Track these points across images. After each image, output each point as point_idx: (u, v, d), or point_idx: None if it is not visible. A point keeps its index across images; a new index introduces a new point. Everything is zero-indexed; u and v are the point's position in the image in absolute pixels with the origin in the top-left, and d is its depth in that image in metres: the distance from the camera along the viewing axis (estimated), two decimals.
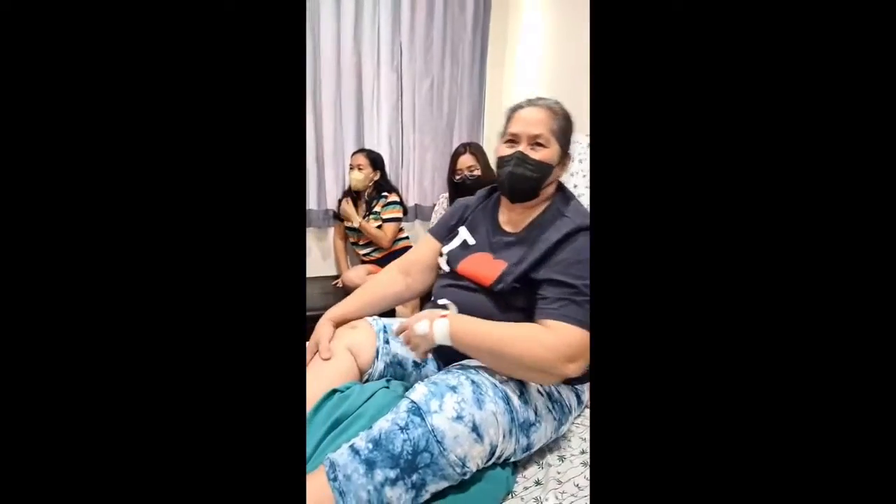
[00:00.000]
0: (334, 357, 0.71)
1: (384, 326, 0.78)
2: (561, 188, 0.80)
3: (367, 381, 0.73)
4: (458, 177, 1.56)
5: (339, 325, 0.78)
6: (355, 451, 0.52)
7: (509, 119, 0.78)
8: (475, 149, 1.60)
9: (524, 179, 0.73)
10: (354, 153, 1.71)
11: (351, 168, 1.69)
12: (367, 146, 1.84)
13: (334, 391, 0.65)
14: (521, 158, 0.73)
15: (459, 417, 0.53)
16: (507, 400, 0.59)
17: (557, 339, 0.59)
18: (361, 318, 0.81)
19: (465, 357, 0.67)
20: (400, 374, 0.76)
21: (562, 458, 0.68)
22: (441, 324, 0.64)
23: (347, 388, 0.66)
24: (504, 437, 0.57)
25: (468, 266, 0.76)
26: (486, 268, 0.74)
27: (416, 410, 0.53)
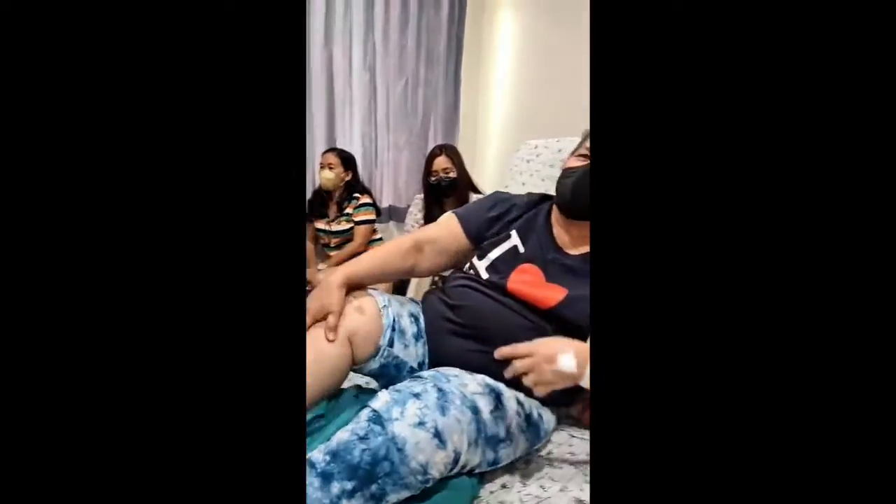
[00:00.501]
0: (333, 345, 0.64)
1: (393, 320, 0.69)
2: None
3: (357, 371, 0.69)
4: (433, 178, 1.56)
5: (350, 291, 0.70)
6: (311, 464, 0.50)
7: (586, 137, 0.74)
8: (451, 151, 1.60)
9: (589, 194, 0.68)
10: (325, 152, 1.68)
11: (321, 167, 1.65)
12: (339, 146, 1.81)
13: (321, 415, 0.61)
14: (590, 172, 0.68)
15: (421, 423, 0.52)
16: (476, 411, 0.58)
17: None
18: (372, 284, 0.74)
19: (453, 364, 0.65)
20: (391, 376, 0.70)
21: (528, 462, 0.68)
22: None
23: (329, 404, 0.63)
24: (469, 445, 0.56)
25: (520, 286, 0.69)
26: (541, 290, 0.68)
27: (377, 419, 0.52)
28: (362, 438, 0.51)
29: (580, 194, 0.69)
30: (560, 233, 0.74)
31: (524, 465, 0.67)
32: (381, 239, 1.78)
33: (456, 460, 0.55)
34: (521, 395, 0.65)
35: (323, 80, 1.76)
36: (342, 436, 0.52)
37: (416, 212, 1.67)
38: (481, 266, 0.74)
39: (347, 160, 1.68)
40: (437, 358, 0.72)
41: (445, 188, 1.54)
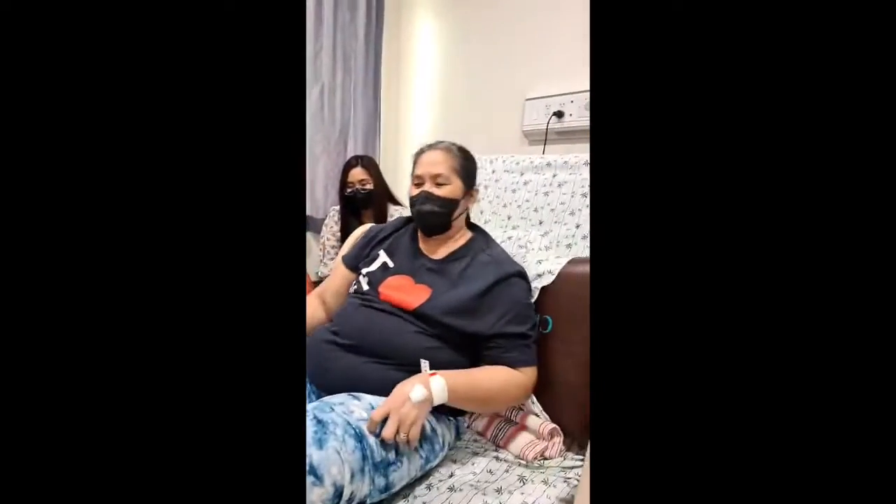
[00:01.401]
0: None
1: None
2: (475, 225, 0.91)
3: None
4: (349, 190, 1.51)
5: None
6: None
7: (414, 163, 0.86)
8: (367, 162, 1.57)
9: (433, 215, 0.82)
10: None
11: None
12: None
13: None
14: (427, 197, 0.81)
15: None
16: (361, 437, 0.58)
17: (528, 380, 0.75)
18: None
19: (344, 380, 0.67)
20: None
21: (429, 487, 0.68)
22: (439, 382, 0.65)
23: None
24: (353, 476, 0.55)
25: (389, 291, 0.79)
26: (409, 293, 0.78)
27: None
28: None
29: (423, 217, 0.83)
30: (423, 244, 0.88)
31: (425, 492, 0.67)
32: None
33: (338, 494, 0.53)
34: None
35: None
36: None
37: (332, 224, 1.61)
38: (363, 281, 0.85)
39: None
40: (327, 380, 0.73)
41: (362, 200, 1.51)
